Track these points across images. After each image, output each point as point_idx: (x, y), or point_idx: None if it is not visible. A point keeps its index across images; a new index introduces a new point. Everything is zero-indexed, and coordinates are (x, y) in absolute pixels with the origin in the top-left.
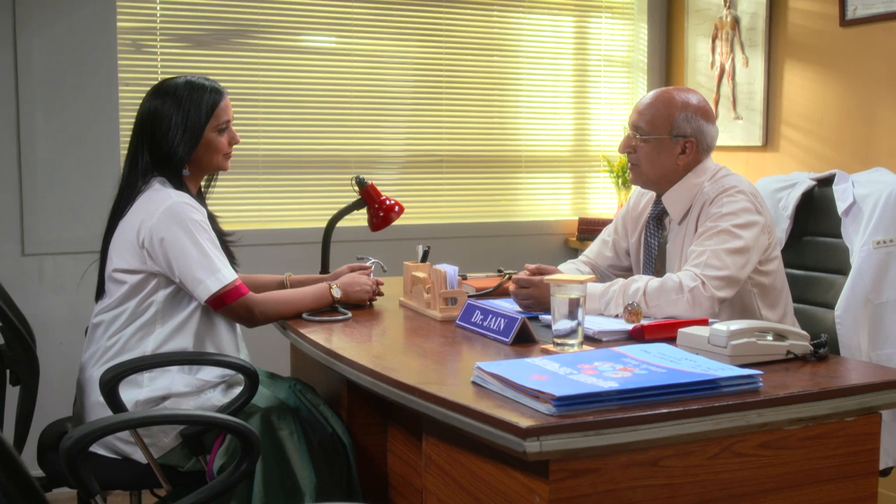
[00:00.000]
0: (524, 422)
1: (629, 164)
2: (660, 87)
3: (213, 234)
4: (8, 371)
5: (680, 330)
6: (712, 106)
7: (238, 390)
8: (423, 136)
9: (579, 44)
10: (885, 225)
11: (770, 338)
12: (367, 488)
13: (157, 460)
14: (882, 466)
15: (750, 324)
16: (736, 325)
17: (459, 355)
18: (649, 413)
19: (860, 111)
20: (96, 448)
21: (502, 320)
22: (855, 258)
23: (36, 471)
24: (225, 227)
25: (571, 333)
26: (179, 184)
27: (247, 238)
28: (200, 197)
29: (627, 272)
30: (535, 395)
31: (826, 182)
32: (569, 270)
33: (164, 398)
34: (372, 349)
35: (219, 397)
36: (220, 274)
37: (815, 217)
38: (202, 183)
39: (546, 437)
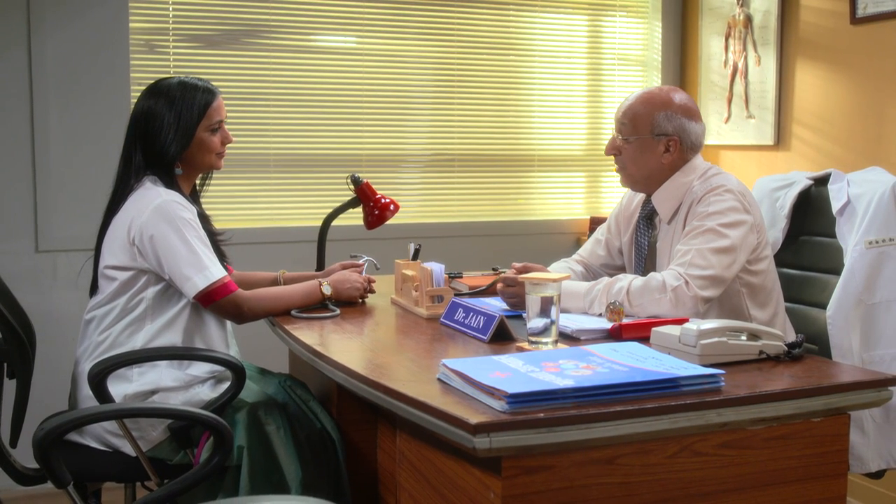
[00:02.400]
0: (475, 418)
1: (617, 167)
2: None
3: (202, 232)
4: (6, 365)
5: (653, 329)
6: (725, 105)
7: (227, 386)
8: (435, 135)
9: (593, 43)
10: (878, 225)
11: (744, 338)
12: (357, 484)
13: (145, 453)
14: (875, 469)
15: (722, 323)
16: (707, 324)
17: (437, 353)
18: (603, 411)
19: (871, 109)
20: (88, 441)
21: (482, 318)
22: (848, 258)
23: (32, 463)
24: (230, 225)
25: (545, 331)
26: (171, 182)
27: (252, 236)
28: (195, 195)
29: (620, 271)
30: (491, 391)
31: (823, 181)
32: (561, 269)
33: (153, 392)
34: (352, 345)
35: (207, 392)
36: (207, 271)
37: (811, 217)
38: (196, 182)
39: (496, 434)
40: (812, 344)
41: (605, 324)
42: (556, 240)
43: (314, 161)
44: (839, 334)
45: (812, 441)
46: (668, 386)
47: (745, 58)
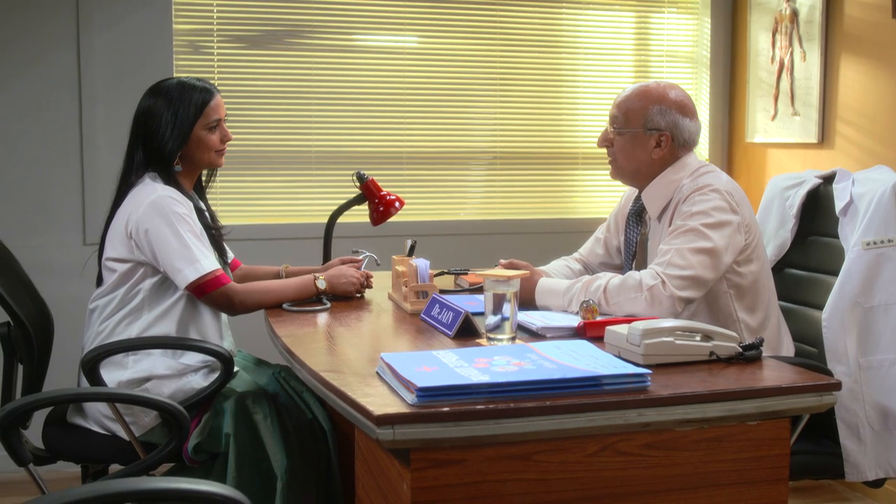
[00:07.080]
0: (378, 410)
1: (608, 159)
2: (671, 83)
3: (197, 226)
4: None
5: (607, 328)
6: (771, 102)
7: (218, 375)
8: (479, 133)
9: (641, 39)
10: (877, 225)
11: (698, 338)
12: (348, 474)
13: (138, 438)
14: (872, 477)
15: (673, 323)
16: (657, 323)
17: (409, 348)
18: (514, 407)
19: None
20: (90, 424)
21: (451, 314)
22: (846, 259)
23: (40, 444)
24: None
25: (499, 328)
26: (170, 179)
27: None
28: (201, 191)
29: (619, 270)
30: (407, 384)
31: (831, 180)
32: (559, 267)
33: (147, 380)
34: (329, 338)
35: (199, 381)
36: (198, 264)
37: (819, 216)
38: (203, 178)
39: (400, 427)
40: (813, 347)
41: (573, 321)
42: None
43: (355, 158)
44: (834, 337)
45: (748, 444)
46: (590, 384)
47: (791, 53)
